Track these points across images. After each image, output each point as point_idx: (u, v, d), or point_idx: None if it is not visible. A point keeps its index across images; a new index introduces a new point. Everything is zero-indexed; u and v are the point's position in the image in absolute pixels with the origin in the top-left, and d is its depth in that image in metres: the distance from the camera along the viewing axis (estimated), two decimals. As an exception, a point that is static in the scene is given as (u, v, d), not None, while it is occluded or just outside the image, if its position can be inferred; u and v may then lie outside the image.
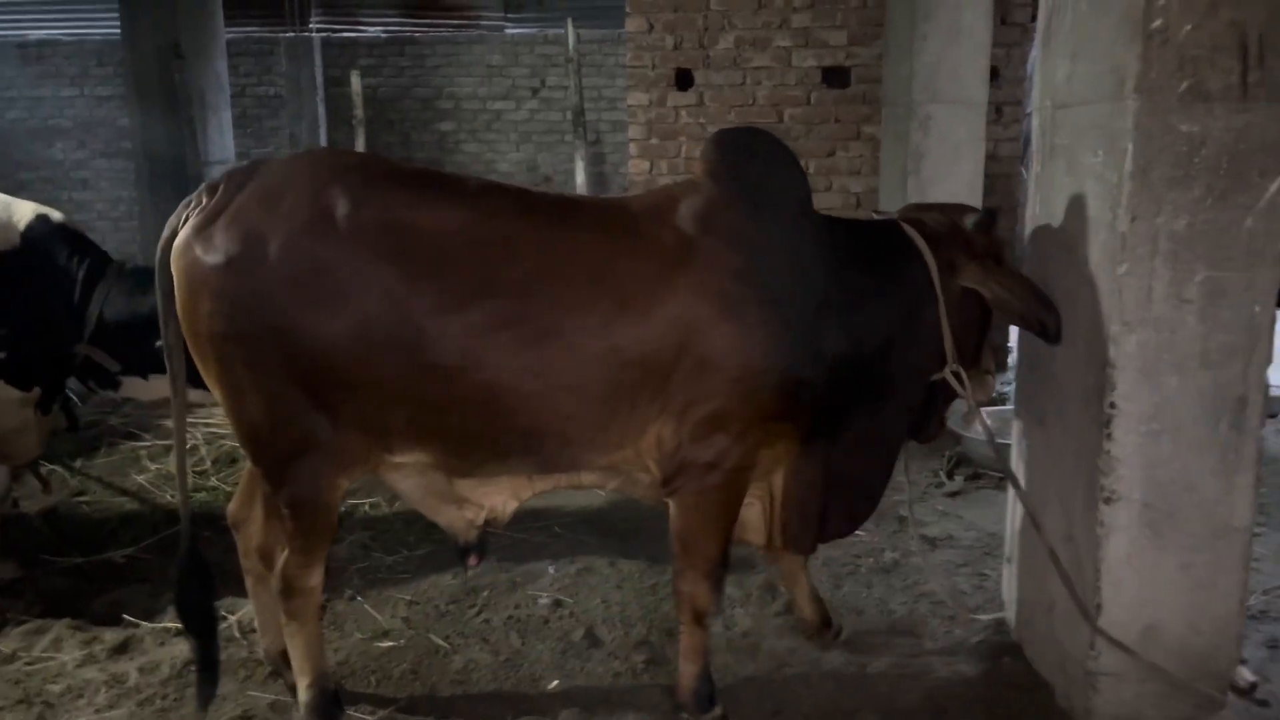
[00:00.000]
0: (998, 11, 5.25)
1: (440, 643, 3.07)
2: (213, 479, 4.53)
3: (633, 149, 6.06)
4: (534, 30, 9.46)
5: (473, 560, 2.70)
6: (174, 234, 2.37)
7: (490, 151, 10.21)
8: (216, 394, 2.42)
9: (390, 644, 3.07)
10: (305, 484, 2.41)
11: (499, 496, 2.60)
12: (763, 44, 5.82)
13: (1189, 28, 2.17)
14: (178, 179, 6.68)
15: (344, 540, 3.84)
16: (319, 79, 9.71)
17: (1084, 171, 2.46)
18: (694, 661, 2.64)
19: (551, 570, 3.57)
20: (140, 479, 4.50)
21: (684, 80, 5.92)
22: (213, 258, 2.26)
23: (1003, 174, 6.00)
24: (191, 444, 4.88)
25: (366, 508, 4.24)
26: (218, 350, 2.31)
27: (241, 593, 2.92)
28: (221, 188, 2.35)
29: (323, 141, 9.81)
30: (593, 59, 9.80)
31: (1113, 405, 2.34)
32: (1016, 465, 2.92)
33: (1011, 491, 2.98)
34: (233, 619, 3.16)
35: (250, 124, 10.11)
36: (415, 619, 3.23)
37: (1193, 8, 2.17)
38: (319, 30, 9.35)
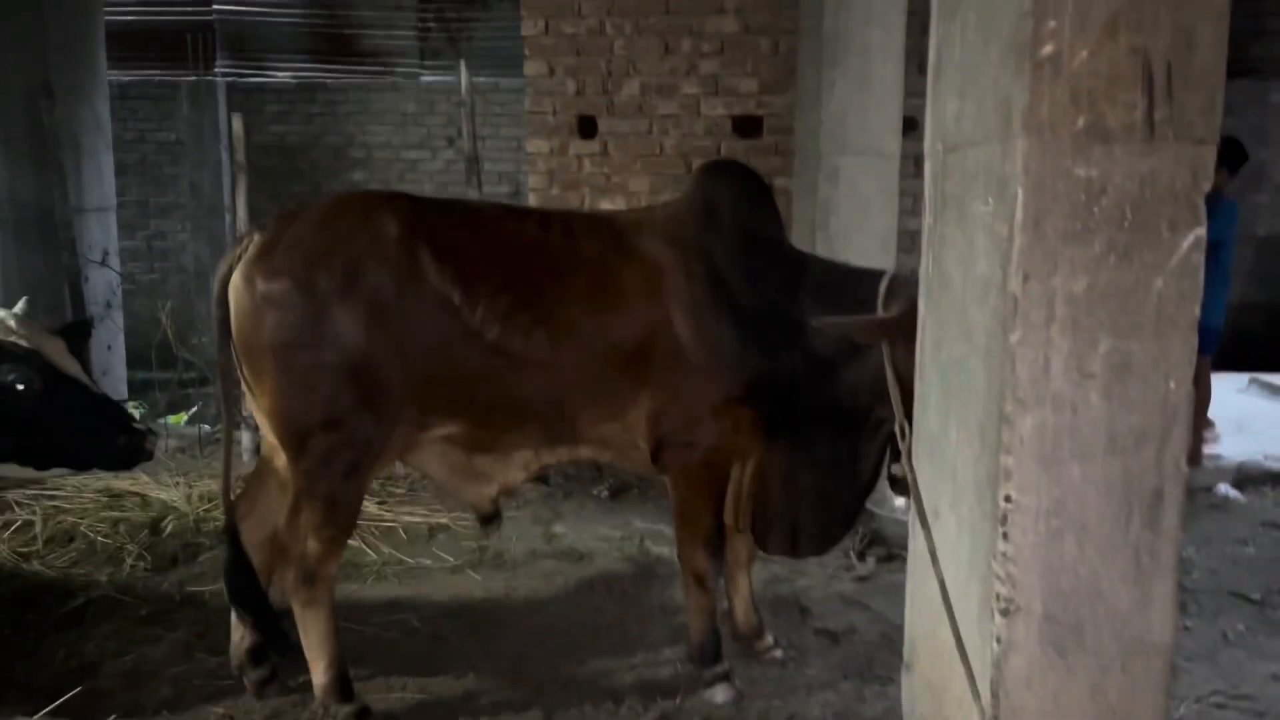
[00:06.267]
0: (914, 59, 4.96)
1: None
2: (36, 563, 4.00)
3: (533, 199, 5.67)
4: (450, 78, 9.10)
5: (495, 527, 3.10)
6: (229, 270, 2.70)
7: (404, 202, 9.77)
8: (265, 403, 2.70)
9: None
10: (340, 478, 2.70)
11: (511, 470, 2.99)
12: (669, 91, 5.49)
13: (1084, 55, 1.84)
14: (45, 226, 6.14)
15: (163, 639, 3.34)
16: (223, 125, 9.25)
17: (974, 223, 2.11)
18: (700, 619, 3.01)
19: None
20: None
21: (587, 128, 5.57)
22: (277, 278, 2.63)
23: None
24: (27, 519, 4.37)
25: (206, 595, 3.74)
26: (278, 359, 2.63)
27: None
28: (271, 226, 2.75)
29: (225, 190, 9.32)
30: (512, 109, 9.49)
31: (1008, 498, 1.96)
32: (913, 564, 2.53)
33: (909, 588, 2.59)
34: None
35: (150, 170, 9.59)
36: (221, 740, 2.76)
37: (1088, 32, 1.84)
38: (224, 75, 8.91)
